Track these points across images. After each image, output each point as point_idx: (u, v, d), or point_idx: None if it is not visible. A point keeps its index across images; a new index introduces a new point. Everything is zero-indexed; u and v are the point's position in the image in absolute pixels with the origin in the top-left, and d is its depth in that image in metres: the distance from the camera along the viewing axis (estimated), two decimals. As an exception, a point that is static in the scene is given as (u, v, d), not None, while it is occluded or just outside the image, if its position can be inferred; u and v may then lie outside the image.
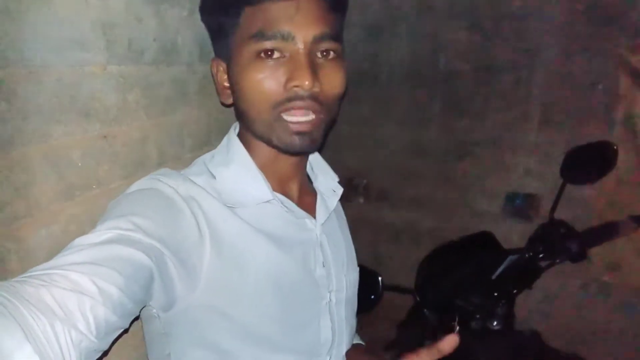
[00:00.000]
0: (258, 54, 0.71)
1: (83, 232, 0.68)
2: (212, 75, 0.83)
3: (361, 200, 2.02)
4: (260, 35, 0.70)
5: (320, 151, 0.94)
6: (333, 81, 0.74)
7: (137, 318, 0.65)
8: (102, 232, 0.59)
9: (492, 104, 1.78)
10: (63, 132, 0.65)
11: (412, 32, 1.82)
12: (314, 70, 0.70)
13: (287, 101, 0.71)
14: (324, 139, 0.78)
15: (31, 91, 0.59)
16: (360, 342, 1.03)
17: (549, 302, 1.79)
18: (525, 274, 1.32)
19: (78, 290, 0.50)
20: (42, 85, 0.61)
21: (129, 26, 0.75)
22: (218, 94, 0.83)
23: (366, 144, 1.98)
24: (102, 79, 0.70)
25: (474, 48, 1.76)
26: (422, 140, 1.91)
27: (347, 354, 0.92)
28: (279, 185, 0.83)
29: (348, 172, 2.00)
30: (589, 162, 1.32)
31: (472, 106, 1.80)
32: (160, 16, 0.81)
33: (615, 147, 1.31)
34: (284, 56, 0.71)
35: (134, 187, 0.70)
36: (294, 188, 0.86)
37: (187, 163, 0.88)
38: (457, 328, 1.26)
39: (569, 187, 1.34)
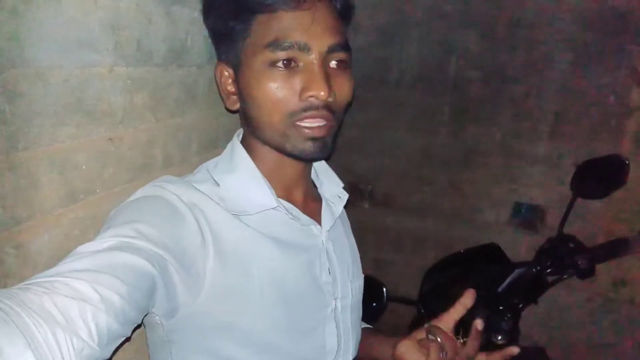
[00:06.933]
0: (272, 63, 0.71)
1: (86, 236, 0.68)
2: (216, 80, 0.82)
3: (366, 205, 2.01)
4: (276, 45, 0.70)
5: (328, 158, 0.93)
6: (344, 90, 0.76)
7: (139, 326, 0.63)
8: (105, 240, 0.58)
9: (502, 112, 1.76)
10: (68, 134, 0.63)
11: (423, 38, 1.81)
12: (328, 80, 0.71)
13: (303, 111, 0.72)
14: (333, 146, 0.78)
15: (37, 92, 0.58)
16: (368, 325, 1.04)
17: (553, 316, 1.77)
18: (531, 288, 1.31)
19: (80, 297, 0.49)
20: (48, 87, 0.59)
21: (139, 27, 0.73)
22: (222, 99, 0.82)
23: (373, 149, 1.96)
24: (109, 81, 0.69)
25: (485, 56, 1.74)
26: (430, 146, 1.89)
27: (364, 336, 0.94)
28: (284, 192, 0.82)
29: (354, 176, 1.98)
30: (600, 176, 1.30)
31: (482, 114, 1.79)
32: (170, 17, 0.80)
33: (627, 162, 1.29)
34: (298, 65, 0.71)
35: (137, 194, 0.70)
36: (299, 194, 0.86)
37: (194, 166, 0.86)
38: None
39: (577, 201, 1.33)
